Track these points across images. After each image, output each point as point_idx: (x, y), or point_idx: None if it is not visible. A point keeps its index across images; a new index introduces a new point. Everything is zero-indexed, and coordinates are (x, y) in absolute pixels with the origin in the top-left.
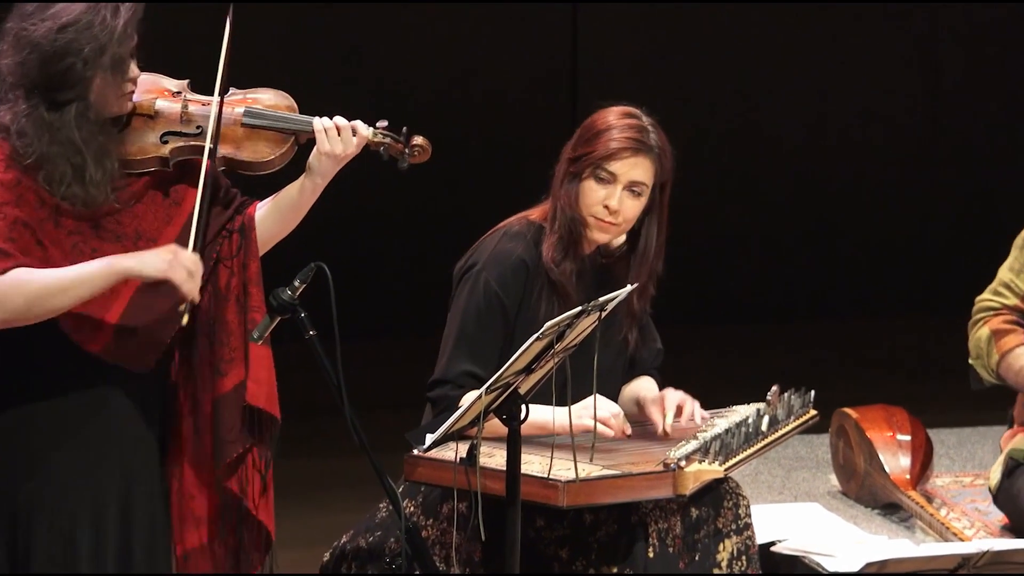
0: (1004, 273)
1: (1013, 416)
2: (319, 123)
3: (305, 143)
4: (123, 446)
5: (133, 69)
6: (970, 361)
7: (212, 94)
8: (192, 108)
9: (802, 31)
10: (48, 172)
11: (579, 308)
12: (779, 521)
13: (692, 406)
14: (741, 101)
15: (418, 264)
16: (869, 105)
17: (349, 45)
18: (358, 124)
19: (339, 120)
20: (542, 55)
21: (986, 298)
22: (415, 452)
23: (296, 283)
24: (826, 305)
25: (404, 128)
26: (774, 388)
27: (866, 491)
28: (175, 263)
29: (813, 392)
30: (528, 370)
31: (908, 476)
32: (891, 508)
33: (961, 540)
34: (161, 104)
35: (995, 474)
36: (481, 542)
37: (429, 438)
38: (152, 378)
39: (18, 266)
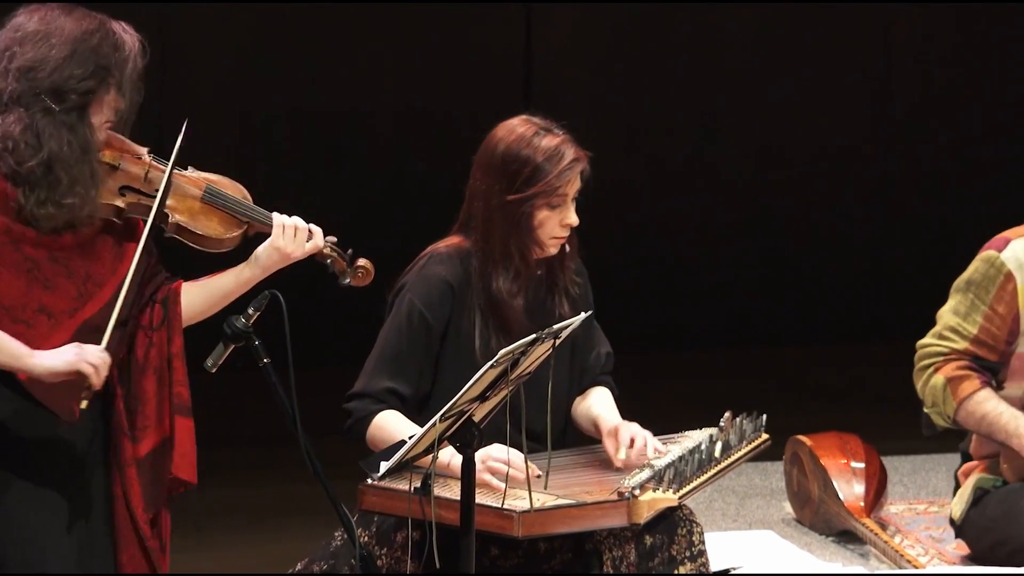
0: (949, 318)
1: (968, 451)
2: (279, 219)
3: (253, 236)
4: (76, 491)
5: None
6: (925, 409)
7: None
8: (153, 173)
9: (756, 59)
10: (42, 179)
11: (533, 336)
12: (733, 549)
13: (644, 439)
14: (694, 130)
15: (373, 290)
16: (822, 133)
17: (302, 74)
18: (315, 229)
19: (298, 221)
20: (494, 86)
21: (931, 343)
22: (369, 481)
23: (250, 311)
24: (780, 332)
25: (349, 250)
26: (727, 414)
27: (820, 519)
28: (81, 356)
29: (765, 416)
30: (482, 398)
31: (862, 503)
32: (845, 536)
33: (915, 568)
34: (126, 160)
35: (958, 506)
36: (436, 571)
37: (384, 466)
38: (93, 426)
39: None
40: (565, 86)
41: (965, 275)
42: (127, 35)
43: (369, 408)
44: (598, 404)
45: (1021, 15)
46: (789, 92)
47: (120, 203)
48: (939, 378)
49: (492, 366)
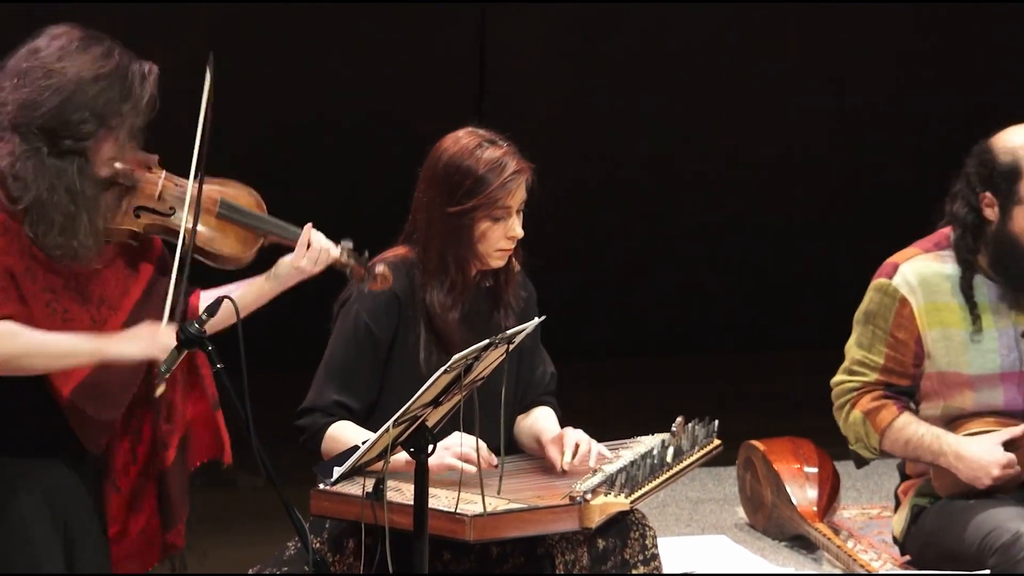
0: (854, 352)
1: (904, 469)
2: (301, 238)
3: (268, 246)
4: (67, 513)
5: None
6: (851, 447)
7: (184, 174)
8: (168, 187)
9: (716, 61)
10: (38, 219)
11: (487, 341)
12: (687, 554)
13: (589, 445)
14: (651, 134)
15: (327, 297)
16: (782, 140)
17: (254, 80)
18: (331, 246)
19: (321, 239)
20: (448, 88)
21: (843, 380)
22: (321, 487)
23: (204, 316)
24: (734, 338)
25: (366, 252)
26: (679, 419)
27: (773, 523)
28: (156, 343)
29: (717, 422)
30: (435, 403)
31: (815, 508)
32: (798, 540)
33: (868, 572)
34: (138, 177)
35: (899, 523)
36: None
37: (336, 471)
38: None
39: (8, 316)
40: (520, 88)
41: (863, 306)
42: (142, 84)
43: (320, 422)
44: (541, 420)
45: (981, 17)
46: (749, 95)
47: (136, 227)
48: (857, 413)
49: (445, 371)
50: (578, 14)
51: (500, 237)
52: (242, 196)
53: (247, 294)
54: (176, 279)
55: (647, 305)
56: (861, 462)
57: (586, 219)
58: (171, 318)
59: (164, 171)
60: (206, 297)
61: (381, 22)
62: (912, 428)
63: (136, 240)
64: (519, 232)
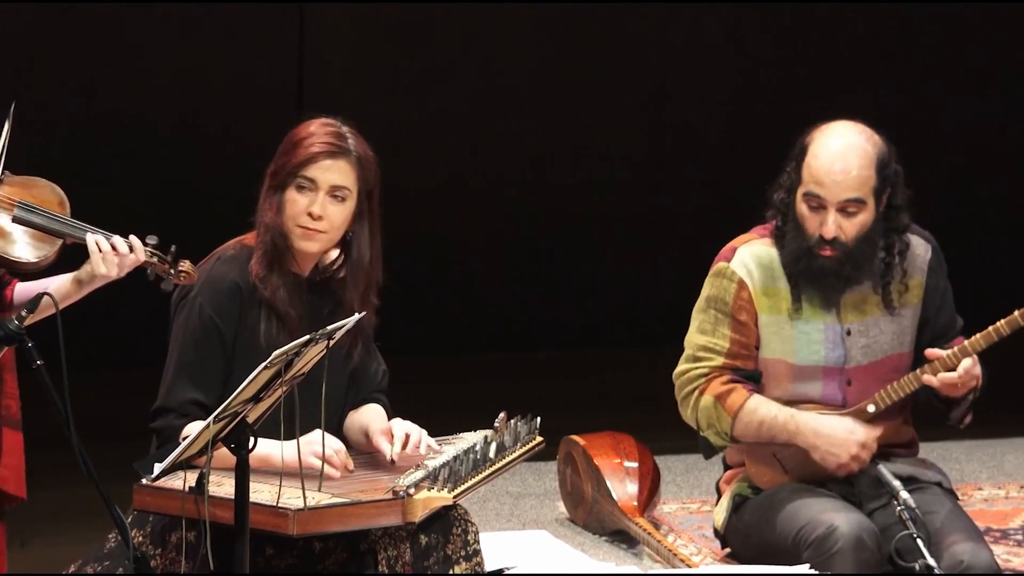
0: (697, 339)
1: (725, 460)
2: (94, 243)
3: (72, 245)
4: None
5: None
6: (702, 433)
7: None
8: None
9: (538, 65)
10: None
11: (307, 337)
12: (508, 548)
13: (419, 435)
14: (470, 134)
15: (148, 292)
16: (595, 137)
17: (76, 75)
18: (135, 244)
19: (116, 242)
20: (268, 88)
21: (688, 368)
22: (143, 481)
23: (23, 312)
24: (553, 334)
25: (173, 248)
26: (501, 415)
27: (594, 518)
28: None
29: (539, 419)
30: (256, 399)
31: (635, 503)
32: (619, 535)
33: (688, 566)
34: None
35: (720, 513)
36: (210, 571)
37: (157, 467)
38: None
39: None
40: (340, 87)
41: (702, 294)
42: None
43: (173, 424)
44: (368, 414)
45: (800, 15)
46: (571, 95)
47: None
48: (707, 398)
49: (266, 367)
50: (396, 14)
51: (302, 211)
52: (45, 196)
53: (56, 292)
54: None
55: (469, 302)
56: (710, 451)
57: (406, 216)
58: None
59: None
60: (21, 289)
61: (198, 20)
62: (765, 409)
63: None
64: (318, 211)
